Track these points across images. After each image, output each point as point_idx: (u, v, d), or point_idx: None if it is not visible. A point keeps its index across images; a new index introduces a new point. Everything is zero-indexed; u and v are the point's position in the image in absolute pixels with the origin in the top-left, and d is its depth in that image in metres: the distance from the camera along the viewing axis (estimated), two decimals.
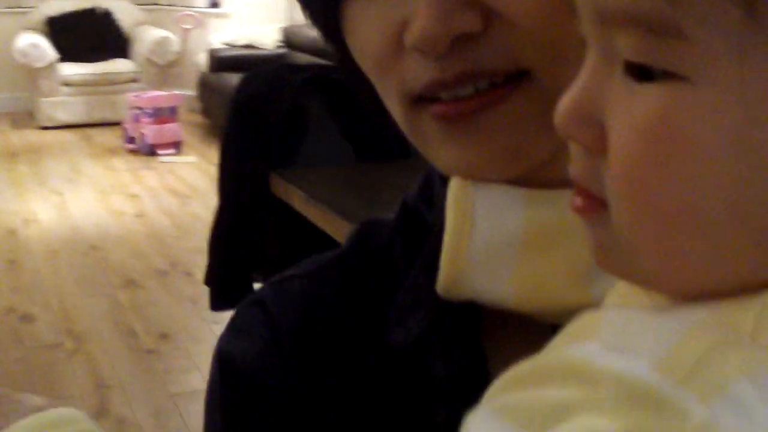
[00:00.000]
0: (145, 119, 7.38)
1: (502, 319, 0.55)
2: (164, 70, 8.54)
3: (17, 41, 8.29)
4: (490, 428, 0.38)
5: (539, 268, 0.54)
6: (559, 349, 0.39)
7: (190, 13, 8.11)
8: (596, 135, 0.40)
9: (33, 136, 8.18)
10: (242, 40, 8.34)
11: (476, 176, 0.56)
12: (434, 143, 0.57)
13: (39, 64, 8.18)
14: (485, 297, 0.56)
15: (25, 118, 8.76)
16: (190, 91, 8.70)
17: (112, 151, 7.59)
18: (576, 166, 0.42)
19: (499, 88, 0.53)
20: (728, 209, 0.37)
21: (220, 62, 7.99)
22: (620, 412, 0.34)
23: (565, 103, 0.41)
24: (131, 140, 7.56)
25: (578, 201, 0.42)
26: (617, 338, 0.38)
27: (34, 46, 8.19)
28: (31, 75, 8.37)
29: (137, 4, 9.36)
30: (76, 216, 5.82)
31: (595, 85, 0.40)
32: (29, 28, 8.70)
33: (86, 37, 8.72)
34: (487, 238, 0.55)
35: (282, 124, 2.99)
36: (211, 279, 3.15)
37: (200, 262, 3.28)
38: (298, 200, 2.79)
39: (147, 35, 8.65)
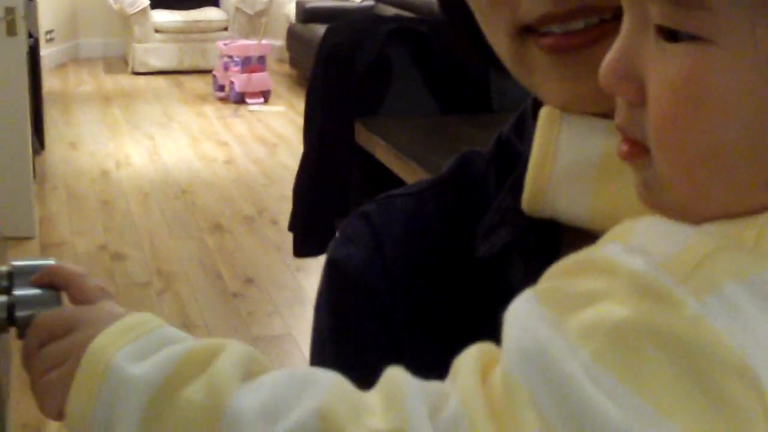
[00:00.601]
0: (235, 68, 7.48)
1: (579, 237, 0.59)
2: (253, 20, 8.63)
3: None
4: (527, 306, 0.46)
5: (614, 191, 0.60)
6: (595, 248, 0.47)
7: None
8: (636, 89, 0.47)
9: (126, 81, 8.33)
10: None
11: (578, 108, 0.61)
12: (541, 74, 0.62)
13: (132, 10, 8.30)
14: (564, 215, 0.62)
15: (119, 63, 8.93)
16: (279, 41, 8.80)
17: (203, 98, 7.71)
18: (620, 116, 0.49)
19: (607, 24, 0.58)
20: (746, 151, 0.44)
21: (309, 13, 8.05)
22: (631, 301, 0.42)
23: (607, 62, 0.48)
24: (221, 88, 7.66)
25: (624, 147, 0.49)
26: (638, 240, 0.45)
27: None
28: (125, 21, 8.52)
29: None
30: (167, 160, 5.95)
31: (632, 46, 0.47)
32: None
33: None
34: (569, 161, 0.62)
35: (367, 75, 3.04)
36: (294, 226, 3.23)
37: (286, 210, 3.36)
38: (381, 150, 2.83)
39: None
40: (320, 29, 7.24)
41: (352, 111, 3.05)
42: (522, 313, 0.46)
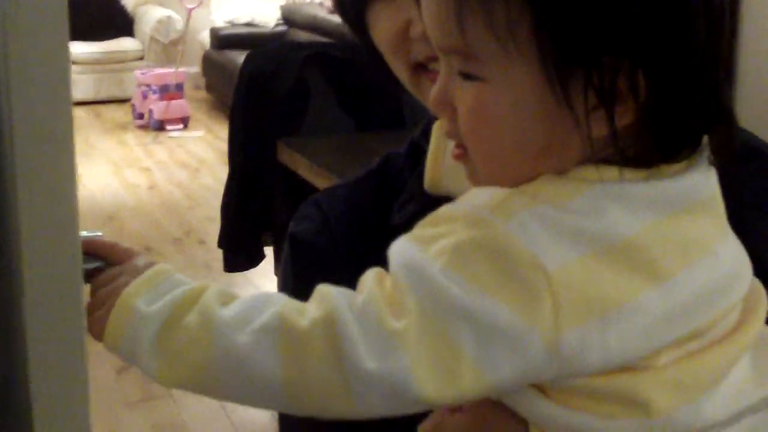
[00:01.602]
0: (153, 96, 7.57)
1: None
2: (168, 48, 8.70)
3: None
4: (403, 245, 0.72)
5: None
6: (442, 208, 0.73)
7: None
8: (451, 111, 0.74)
9: None
10: (243, 18, 8.51)
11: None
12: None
13: None
14: (454, 192, 0.87)
15: None
16: (195, 68, 8.91)
17: (123, 127, 7.78)
18: (447, 128, 0.76)
19: None
20: (516, 146, 0.71)
21: (223, 40, 8.17)
22: (465, 230, 0.69)
23: (433, 93, 0.75)
24: (140, 116, 7.74)
25: (456, 151, 0.76)
26: (470, 198, 0.72)
27: None
28: None
29: None
30: (93, 188, 6.04)
31: (447, 84, 0.74)
32: None
33: (92, 15, 8.78)
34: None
35: (287, 98, 3.21)
36: (223, 242, 3.38)
37: (212, 230, 3.50)
38: (303, 167, 2.99)
39: (150, 14, 8.79)
40: (235, 55, 7.38)
41: (274, 132, 3.19)
42: (400, 246, 0.72)
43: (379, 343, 0.67)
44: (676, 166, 0.72)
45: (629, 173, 0.70)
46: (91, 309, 0.79)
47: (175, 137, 7.41)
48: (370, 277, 0.72)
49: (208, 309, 0.73)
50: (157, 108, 7.56)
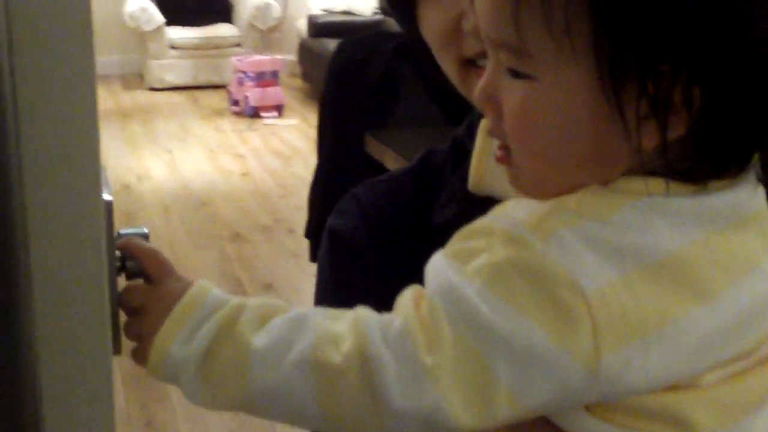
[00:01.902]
0: (249, 83, 7.66)
1: None
2: (266, 35, 8.81)
3: (127, 5, 8.57)
4: (440, 260, 0.69)
5: None
6: (480, 221, 0.70)
7: None
8: (496, 108, 0.71)
9: (143, 96, 8.53)
10: (340, 7, 8.57)
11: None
12: None
13: (148, 28, 8.47)
14: (497, 193, 0.86)
15: (136, 79, 9.14)
16: (291, 56, 8.99)
17: (218, 113, 7.90)
18: (491, 126, 0.73)
19: None
20: (562, 148, 0.68)
21: (319, 28, 8.22)
22: (502, 248, 0.66)
23: (478, 89, 0.72)
24: (236, 103, 7.84)
25: (499, 153, 0.73)
26: (506, 212, 0.69)
27: (143, 9, 8.47)
28: (141, 38, 8.69)
29: None
30: (186, 173, 6.15)
31: (494, 79, 0.71)
32: None
33: (191, 1, 8.98)
34: None
35: (375, 89, 3.21)
36: (310, 232, 3.40)
37: (301, 219, 3.52)
38: (390, 159, 2.96)
39: (250, 1, 8.84)
40: (331, 43, 7.42)
41: (363, 123, 3.21)
42: (437, 264, 0.70)
43: (413, 380, 0.66)
44: (724, 182, 0.70)
45: (675, 187, 0.68)
46: (128, 333, 0.79)
47: (270, 124, 7.49)
48: (407, 297, 0.70)
49: (242, 340, 0.72)
50: (253, 95, 7.65)
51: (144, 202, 5.57)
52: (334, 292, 1.00)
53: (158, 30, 8.57)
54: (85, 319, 0.68)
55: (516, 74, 0.69)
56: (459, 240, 0.71)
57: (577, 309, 0.64)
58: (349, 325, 0.70)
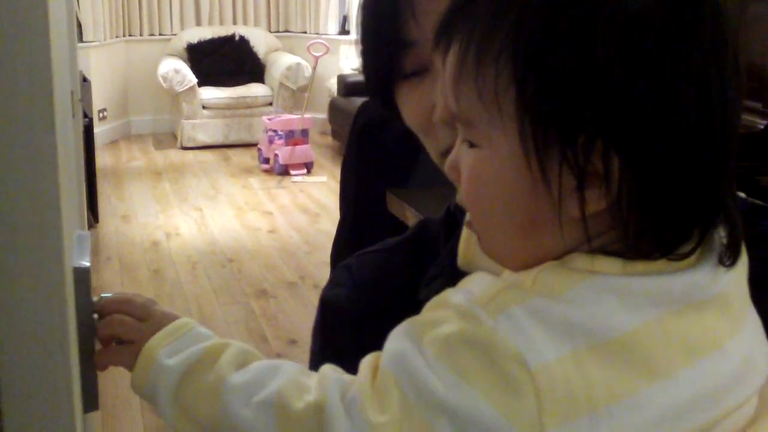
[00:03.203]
0: (279, 141, 7.75)
1: None
2: (296, 94, 8.90)
3: (160, 67, 8.76)
4: (404, 327, 0.73)
5: None
6: (445, 293, 0.73)
7: (321, 41, 8.47)
8: (459, 176, 0.74)
9: (175, 155, 8.63)
10: None
11: None
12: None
13: (180, 88, 8.61)
14: (486, 270, 0.87)
15: (168, 138, 9.27)
16: (322, 114, 9.08)
17: (248, 171, 7.99)
18: (459, 197, 0.76)
19: None
20: (505, 215, 0.71)
21: (350, 87, 8.29)
22: (457, 321, 0.68)
23: (447, 161, 0.76)
24: (266, 161, 7.93)
25: (467, 219, 0.78)
26: (466, 286, 0.72)
27: (176, 71, 8.63)
28: (174, 98, 8.84)
29: (272, 31, 9.80)
30: (215, 230, 6.21)
31: (458, 151, 0.74)
32: (171, 54, 9.16)
33: (224, 62, 9.12)
34: None
35: (397, 148, 3.23)
36: None
37: (327, 275, 3.56)
38: (411, 217, 2.96)
39: (281, 61, 9.02)
40: (360, 102, 7.41)
41: (383, 182, 3.24)
42: (399, 330, 0.73)
43: None
44: (684, 262, 0.69)
45: (631, 266, 0.68)
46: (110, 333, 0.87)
47: (298, 182, 7.54)
48: (366, 363, 0.74)
49: (221, 373, 0.78)
50: (282, 153, 7.72)
51: (172, 259, 5.62)
52: (325, 360, 1.03)
53: (191, 90, 8.68)
54: (51, 388, 0.71)
55: (470, 144, 0.72)
56: (426, 310, 0.74)
57: (522, 382, 0.65)
58: (316, 380, 0.75)
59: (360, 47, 0.95)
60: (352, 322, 1.02)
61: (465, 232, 0.89)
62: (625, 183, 0.66)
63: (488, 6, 0.69)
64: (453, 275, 0.89)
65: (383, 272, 1.03)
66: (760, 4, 5.03)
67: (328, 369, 0.76)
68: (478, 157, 0.71)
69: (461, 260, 0.89)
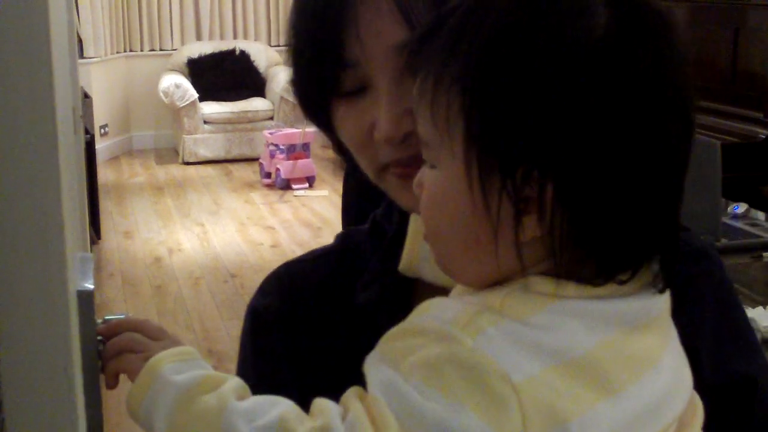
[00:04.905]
0: (280, 155, 7.77)
1: (427, 291, 0.87)
2: (297, 108, 8.82)
3: (161, 82, 8.77)
4: (376, 359, 0.75)
5: None
6: (412, 318, 0.76)
7: None
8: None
9: (177, 170, 8.66)
10: None
11: (418, 209, 0.89)
12: (394, 190, 0.91)
13: (182, 103, 8.64)
14: (428, 277, 0.91)
15: (170, 154, 9.28)
16: None
17: (250, 185, 8.01)
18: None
19: None
20: (454, 234, 0.75)
21: None
22: (437, 345, 0.71)
23: (415, 179, 0.79)
24: (267, 175, 7.95)
25: (424, 231, 0.80)
26: (434, 313, 0.75)
27: (177, 86, 8.65)
28: (175, 114, 8.86)
29: (272, 45, 9.82)
30: (217, 246, 6.22)
31: (423, 170, 0.78)
32: (172, 69, 9.17)
33: (225, 76, 9.14)
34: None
35: None
36: None
37: None
38: None
39: (281, 75, 8.93)
40: None
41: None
42: (373, 363, 0.75)
43: None
44: (632, 285, 0.76)
45: (588, 290, 0.74)
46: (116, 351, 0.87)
47: (300, 196, 7.54)
48: (351, 394, 0.75)
49: (225, 397, 0.77)
50: (284, 167, 7.73)
51: (174, 274, 5.64)
52: (255, 367, 1.04)
53: (192, 105, 8.70)
54: (55, 414, 0.70)
55: (432, 165, 0.77)
56: (389, 341, 0.76)
57: (507, 397, 0.69)
58: (317, 408, 0.76)
59: (293, 61, 0.95)
60: (281, 327, 1.03)
61: (410, 239, 0.93)
62: (558, 212, 0.71)
63: (446, 38, 0.75)
64: (387, 279, 0.97)
65: (310, 280, 1.05)
66: (760, 13, 5.04)
67: (323, 400, 0.76)
68: (433, 177, 0.77)
69: (404, 265, 0.94)
